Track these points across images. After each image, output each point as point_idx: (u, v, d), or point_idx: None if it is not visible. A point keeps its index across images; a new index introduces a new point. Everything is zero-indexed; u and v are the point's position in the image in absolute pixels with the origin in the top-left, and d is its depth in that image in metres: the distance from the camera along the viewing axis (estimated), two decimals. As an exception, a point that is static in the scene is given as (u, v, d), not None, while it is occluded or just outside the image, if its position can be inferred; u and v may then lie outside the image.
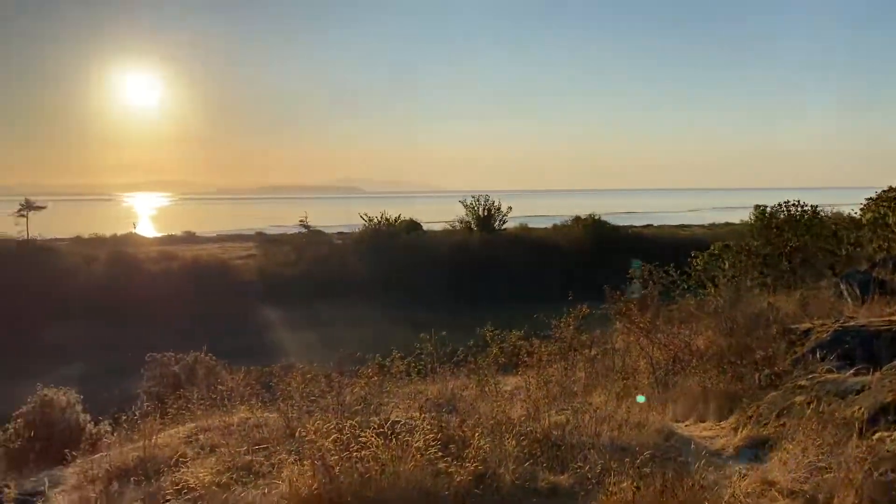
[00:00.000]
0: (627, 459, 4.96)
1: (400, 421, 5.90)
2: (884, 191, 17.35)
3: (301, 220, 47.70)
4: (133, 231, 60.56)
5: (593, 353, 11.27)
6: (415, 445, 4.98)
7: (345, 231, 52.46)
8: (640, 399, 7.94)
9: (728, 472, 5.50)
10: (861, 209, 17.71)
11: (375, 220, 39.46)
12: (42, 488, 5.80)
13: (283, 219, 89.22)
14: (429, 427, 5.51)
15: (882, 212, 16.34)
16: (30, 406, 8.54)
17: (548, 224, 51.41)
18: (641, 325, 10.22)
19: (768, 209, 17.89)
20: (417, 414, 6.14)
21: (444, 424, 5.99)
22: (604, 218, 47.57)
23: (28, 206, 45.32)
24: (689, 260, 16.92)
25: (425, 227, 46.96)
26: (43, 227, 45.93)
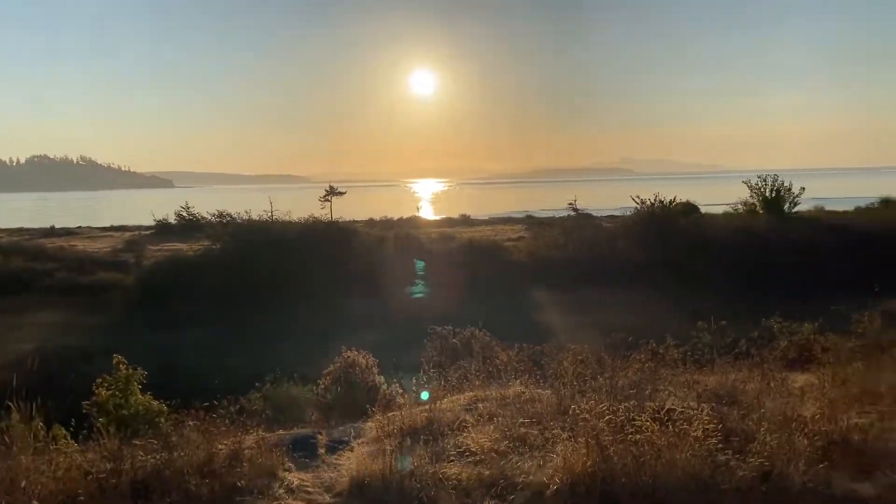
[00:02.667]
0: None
1: (676, 409, 5.72)
2: None
3: (570, 204, 47.95)
4: (417, 214, 65.68)
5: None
6: (692, 434, 4.81)
7: (615, 214, 51.63)
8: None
9: None
10: None
11: (648, 203, 38.18)
12: (347, 438, 6.60)
13: (552, 202, 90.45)
14: (707, 417, 5.29)
15: None
16: (336, 365, 9.74)
17: (849, 206, 45.77)
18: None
19: None
20: (695, 403, 5.92)
21: (724, 416, 5.71)
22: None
23: (332, 192, 51.51)
24: None
25: (703, 210, 44.39)
26: (342, 211, 51.76)
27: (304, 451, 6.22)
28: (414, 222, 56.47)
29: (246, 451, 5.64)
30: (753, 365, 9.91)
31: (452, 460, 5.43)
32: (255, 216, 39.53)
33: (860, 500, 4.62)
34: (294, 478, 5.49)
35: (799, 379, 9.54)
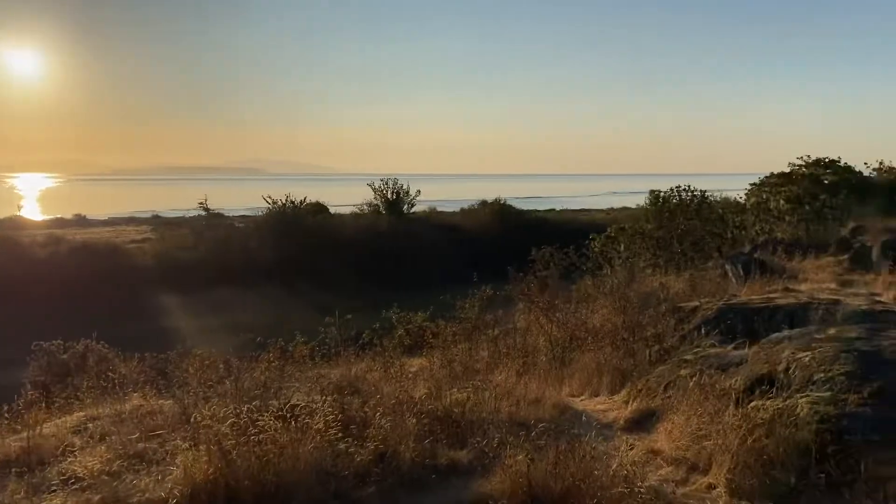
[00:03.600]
0: (524, 433, 5.12)
1: (300, 404, 5.84)
2: (766, 177, 18.48)
3: (200, 203, 46.07)
4: (18, 213, 56.84)
5: (496, 332, 11.47)
6: (314, 427, 4.96)
7: (247, 214, 51.03)
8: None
9: (618, 442, 5.78)
10: (745, 194, 18.80)
11: (280, 203, 38.57)
12: (-89, 486, 5.42)
13: (180, 201, 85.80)
14: (330, 409, 5.50)
15: (764, 197, 17.42)
16: None
17: (456, 208, 51.77)
18: (541, 304, 10.52)
19: (662, 194, 18.66)
20: (318, 396, 6.11)
21: (345, 406, 5.99)
22: (509, 202, 48.39)
23: None
24: (587, 242, 17.55)
25: (332, 210, 46.29)
26: None
27: None
28: (15, 223, 48.80)
29: None
30: (376, 354, 10.68)
31: (55, 490, 4.80)
32: None
33: (460, 466, 5.24)
34: None
35: (415, 363, 10.53)
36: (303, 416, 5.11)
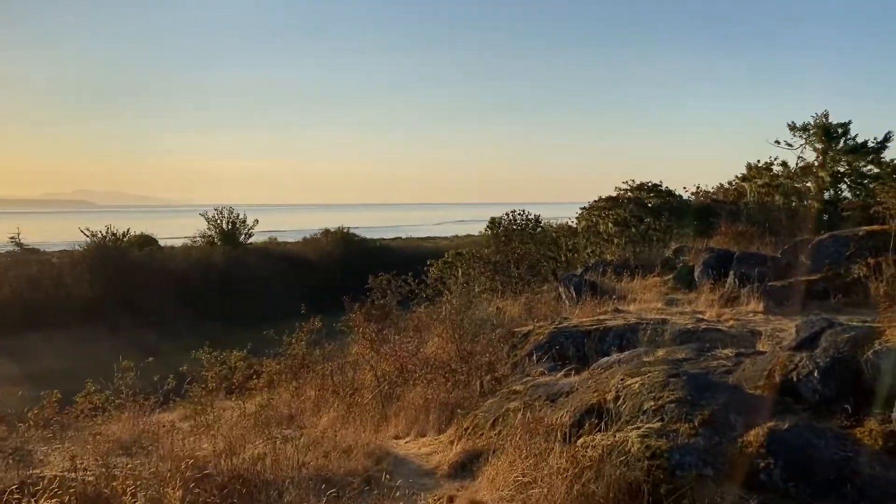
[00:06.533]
0: (322, 499, 4.24)
1: (46, 477, 4.63)
2: (594, 201, 18.90)
3: (12, 237, 41.31)
4: None
5: (329, 368, 10.49)
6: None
7: (68, 249, 46.51)
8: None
9: (439, 493, 5.04)
10: (577, 218, 19.11)
11: (100, 236, 35.21)
12: None
13: (-11, 236, 77.25)
14: (82, 482, 4.36)
15: (594, 220, 17.74)
16: None
17: (299, 238, 49.97)
18: (368, 335, 9.70)
19: (499, 219, 18.54)
20: (70, 464, 4.91)
21: (109, 473, 4.83)
22: (354, 231, 47.37)
23: None
24: (425, 269, 16.99)
25: (163, 242, 43.09)
26: None
27: None
28: None
29: None
30: (185, 401, 9.41)
31: None
32: None
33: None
34: None
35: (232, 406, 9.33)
36: (26, 500, 3.93)
